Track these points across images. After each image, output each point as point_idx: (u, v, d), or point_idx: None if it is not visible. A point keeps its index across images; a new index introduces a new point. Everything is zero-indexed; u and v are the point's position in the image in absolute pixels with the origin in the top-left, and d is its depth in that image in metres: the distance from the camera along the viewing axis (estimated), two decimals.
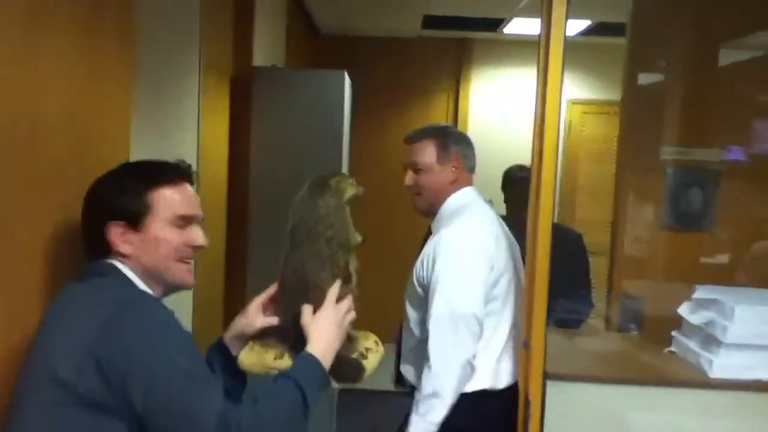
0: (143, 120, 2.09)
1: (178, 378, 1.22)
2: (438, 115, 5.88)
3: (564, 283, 2.15)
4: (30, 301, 1.40)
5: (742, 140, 2.64)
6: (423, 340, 2.09)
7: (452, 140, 2.29)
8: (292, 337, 1.52)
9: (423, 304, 2.13)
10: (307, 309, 1.49)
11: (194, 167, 2.68)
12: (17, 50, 1.31)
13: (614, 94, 5.54)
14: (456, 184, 2.26)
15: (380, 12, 5.08)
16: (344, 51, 5.62)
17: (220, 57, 3.28)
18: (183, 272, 1.44)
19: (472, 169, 2.34)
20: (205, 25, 2.81)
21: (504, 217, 2.98)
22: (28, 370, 1.27)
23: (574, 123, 5.81)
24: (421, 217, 2.36)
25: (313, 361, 1.42)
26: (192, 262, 1.47)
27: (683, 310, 2.19)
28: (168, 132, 2.53)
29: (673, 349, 2.24)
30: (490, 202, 2.35)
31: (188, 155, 2.72)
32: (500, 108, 5.80)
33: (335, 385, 1.54)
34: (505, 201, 3.23)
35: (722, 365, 2.01)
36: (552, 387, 1.94)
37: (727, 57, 2.78)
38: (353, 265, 1.59)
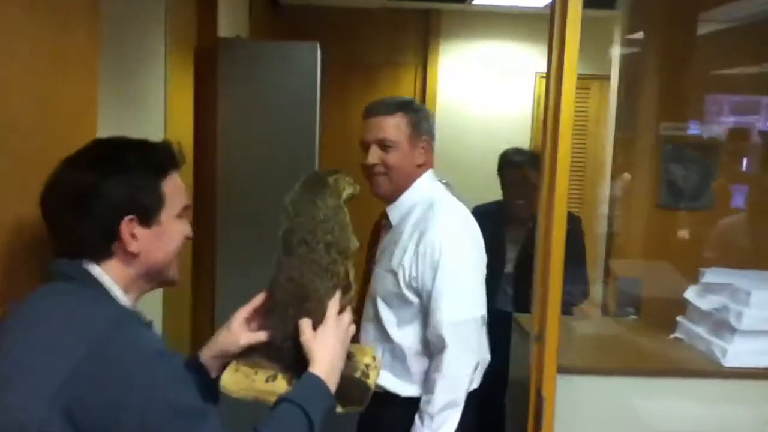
0: (109, 97, 1.90)
1: (176, 419, 1.05)
2: (406, 89, 5.70)
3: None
4: None
5: (743, 112, 2.55)
6: (406, 345, 1.94)
7: (423, 117, 2.04)
8: (286, 355, 1.34)
9: (407, 305, 1.94)
10: (306, 324, 1.33)
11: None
12: None
13: (589, 68, 5.53)
14: (423, 168, 2.03)
15: None
16: (306, 23, 5.41)
17: (185, 27, 3.05)
18: (176, 266, 1.30)
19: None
20: None
21: (500, 203, 2.83)
22: None
23: (542, 97, 5.70)
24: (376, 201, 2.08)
25: (319, 383, 1.26)
26: None
27: (690, 294, 2.09)
28: (135, 109, 2.33)
29: (679, 335, 2.15)
30: (446, 184, 2.13)
31: (155, 133, 2.51)
32: (469, 82, 5.66)
33: (339, 410, 1.36)
34: (502, 186, 3.08)
35: (737, 353, 1.92)
36: (560, 380, 1.82)
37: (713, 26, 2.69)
38: (351, 274, 1.41)
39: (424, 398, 1.90)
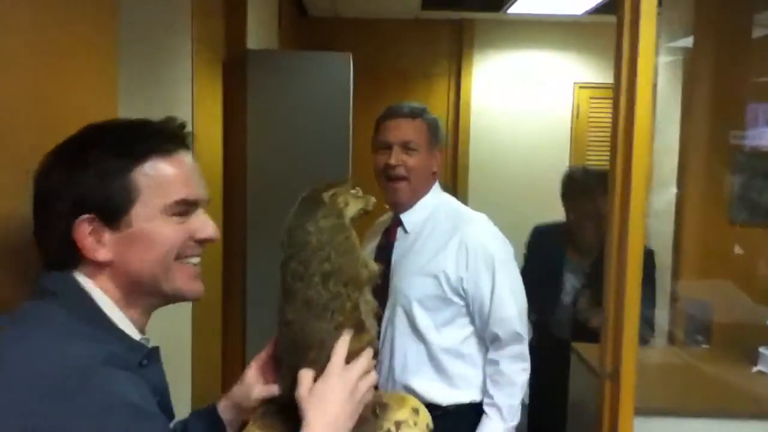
0: (133, 112, 1.75)
1: None
2: (439, 100, 5.53)
3: None
4: None
5: None
6: (445, 346, 1.95)
7: (438, 125, 2.06)
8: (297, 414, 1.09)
9: (448, 307, 1.94)
10: (305, 376, 1.08)
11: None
12: None
13: None
14: (435, 175, 2.05)
15: None
16: (336, 34, 5.27)
17: (212, 40, 2.92)
18: (187, 277, 1.03)
19: None
20: (197, 5, 2.46)
21: (563, 225, 2.73)
22: None
23: (581, 108, 5.49)
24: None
25: None
26: (199, 262, 1.06)
27: None
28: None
29: (763, 368, 1.93)
30: (448, 189, 2.19)
31: None
32: (505, 92, 5.47)
33: None
34: (566, 209, 2.82)
35: None
36: (637, 422, 1.61)
37: None
38: (367, 307, 1.15)
39: (494, 393, 1.93)
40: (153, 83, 2.14)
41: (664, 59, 2.67)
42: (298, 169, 3.17)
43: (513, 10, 5.05)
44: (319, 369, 1.09)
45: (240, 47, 3.26)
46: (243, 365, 3.09)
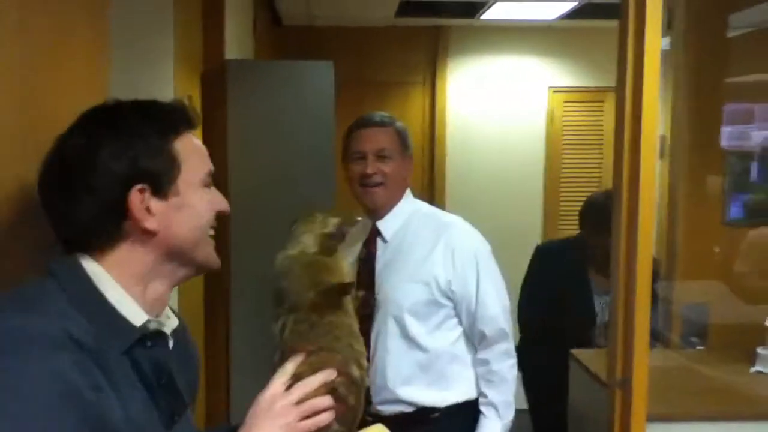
0: None
1: None
2: (414, 108, 5.52)
3: None
4: None
5: None
6: (440, 350, 1.98)
7: (407, 133, 2.11)
8: None
9: (438, 310, 1.98)
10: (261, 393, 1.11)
11: None
12: None
13: (597, 81, 5.36)
14: (407, 182, 2.09)
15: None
16: (311, 42, 5.23)
17: (191, 51, 2.88)
18: (211, 248, 1.08)
19: None
20: (178, 16, 2.42)
21: (576, 245, 2.73)
22: None
23: (556, 112, 5.52)
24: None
25: None
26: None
27: None
28: None
29: (761, 368, 1.94)
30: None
31: None
32: (480, 98, 5.48)
33: None
34: (588, 231, 2.69)
35: None
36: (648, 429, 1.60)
37: None
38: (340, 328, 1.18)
39: (488, 392, 1.98)
40: (134, 95, 2.10)
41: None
42: (281, 178, 3.13)
43: (487, 16, 5.06)
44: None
45: (218, 58, 3.22)
46: (227, 365, 3.06)
